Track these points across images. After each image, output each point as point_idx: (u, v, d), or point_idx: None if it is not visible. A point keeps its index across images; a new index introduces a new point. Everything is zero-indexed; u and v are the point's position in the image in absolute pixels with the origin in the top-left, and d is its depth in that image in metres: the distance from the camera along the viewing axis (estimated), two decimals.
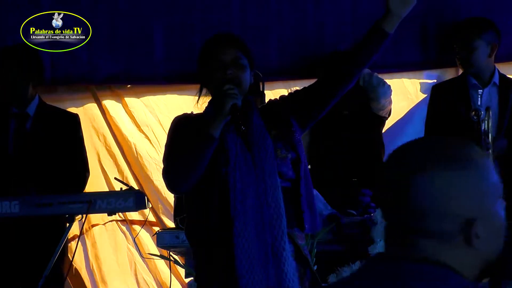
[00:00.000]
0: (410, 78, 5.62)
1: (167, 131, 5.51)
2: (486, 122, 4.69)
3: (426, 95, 5.46)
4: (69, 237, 5.33)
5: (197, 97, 3.49)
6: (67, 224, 4.59)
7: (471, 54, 4.99)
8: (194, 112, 3.49)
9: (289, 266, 3.16)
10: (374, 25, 3.29)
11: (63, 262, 4.91)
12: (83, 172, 4.99)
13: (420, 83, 5.61)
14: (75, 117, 5.06)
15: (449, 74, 5.49)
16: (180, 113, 5.50)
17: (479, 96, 4.99)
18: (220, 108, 3.19)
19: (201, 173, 3.19)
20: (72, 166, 4.92)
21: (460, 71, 5.22)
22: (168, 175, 3.27)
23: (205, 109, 3.41)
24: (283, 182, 3.24)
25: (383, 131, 5.32)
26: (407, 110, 5.60)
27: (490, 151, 4.64)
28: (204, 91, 3.47)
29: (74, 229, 5.27)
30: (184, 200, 3.33)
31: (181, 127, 3.36)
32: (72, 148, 4.95)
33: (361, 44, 3.31)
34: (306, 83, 5.40)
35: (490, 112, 4.64)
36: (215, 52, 3.34)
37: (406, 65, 5.52)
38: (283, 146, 3.28)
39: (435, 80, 5.46)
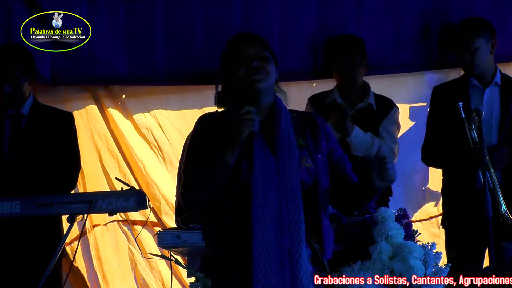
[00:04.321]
0: (412, 81, 5.61)
1: (165, 133, 5.58)
2: (475, 130, 4.70)
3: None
4: (70, 237, 5.34)
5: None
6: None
7: (474, 54, 4.98)
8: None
9: (305, 273, 3.16)
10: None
11: (61, 263, 4.92)
12: (74, 165, 4.98)
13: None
14: (69, 114, 5.08)
15: (451, 75, 5.47)
16: (179, 114, 5.56)
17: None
18: (236, 136, 3.14)
19: (216, 194, 3.17)
20: (62, 158, 4.90)
21: (462, 73, 5.21)
22: (184, 199, 3.24)
23: (228, 108, 3.35)
24: (302, 187, 3.22)
25: None
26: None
27: (487, 158, 4.63)
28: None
29: (76, 229, 5.28)
30: None
31: (202, 136, 3.27)
32: (63, 141, 4.94)
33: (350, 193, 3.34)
34: (307, 84, 5.48)
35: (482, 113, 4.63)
36: (238, 48, 3.29)
37: (408, 65, 5.51)
38: (309, 155, 3.27)
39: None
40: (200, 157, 3.20)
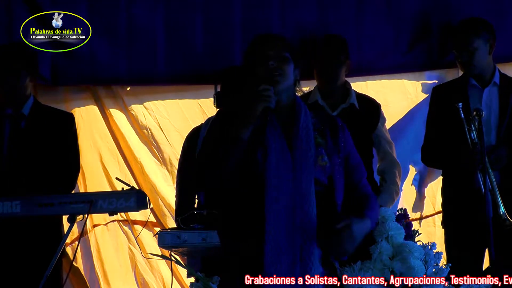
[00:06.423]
0: (410, 80, 5.62)
1: (165, 133, 5.59)
2: (474, 131, 4.71)
3: (427, 95, 5.45)
4: (71, 237, 5.35)
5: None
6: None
7: (472, 55, 4.99)
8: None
9: (315, 271, 3.17)
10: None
11: (61, 263, 4.92)
12: (73, 166, 4.98)
13: (421, 83, 5.60)
14: (69, 115, 5.08)
15: (450, 75, 5.48)
16: (179, 115, 5.57)
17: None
18: (250, 112, 3.18)
19: (231, 170, 3.17)
20: (62, 159, 4.90)
21: (461, 73, 5.21)
22: (200, 173, 3.24)
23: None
24: (316, 187, 3.24)
25: None
26: (408, 110, 5.60)
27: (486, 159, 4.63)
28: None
29: (76, 229, 5.28)
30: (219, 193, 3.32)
31: (216, 124, 3.33)
32: (63, 141, 4.94)
33: None
34: (304, 83, 5.48)
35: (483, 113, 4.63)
36: (258, 47, 3.32)
37: (408, 65, 5.52)
38: (326, 153, 3.29)
39: (436, 81, 5.45)
40: (214, 137, 3.24)
